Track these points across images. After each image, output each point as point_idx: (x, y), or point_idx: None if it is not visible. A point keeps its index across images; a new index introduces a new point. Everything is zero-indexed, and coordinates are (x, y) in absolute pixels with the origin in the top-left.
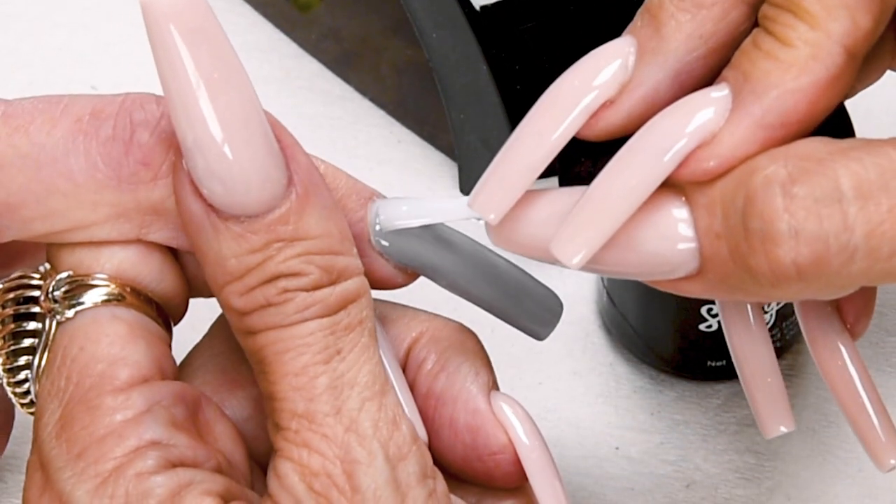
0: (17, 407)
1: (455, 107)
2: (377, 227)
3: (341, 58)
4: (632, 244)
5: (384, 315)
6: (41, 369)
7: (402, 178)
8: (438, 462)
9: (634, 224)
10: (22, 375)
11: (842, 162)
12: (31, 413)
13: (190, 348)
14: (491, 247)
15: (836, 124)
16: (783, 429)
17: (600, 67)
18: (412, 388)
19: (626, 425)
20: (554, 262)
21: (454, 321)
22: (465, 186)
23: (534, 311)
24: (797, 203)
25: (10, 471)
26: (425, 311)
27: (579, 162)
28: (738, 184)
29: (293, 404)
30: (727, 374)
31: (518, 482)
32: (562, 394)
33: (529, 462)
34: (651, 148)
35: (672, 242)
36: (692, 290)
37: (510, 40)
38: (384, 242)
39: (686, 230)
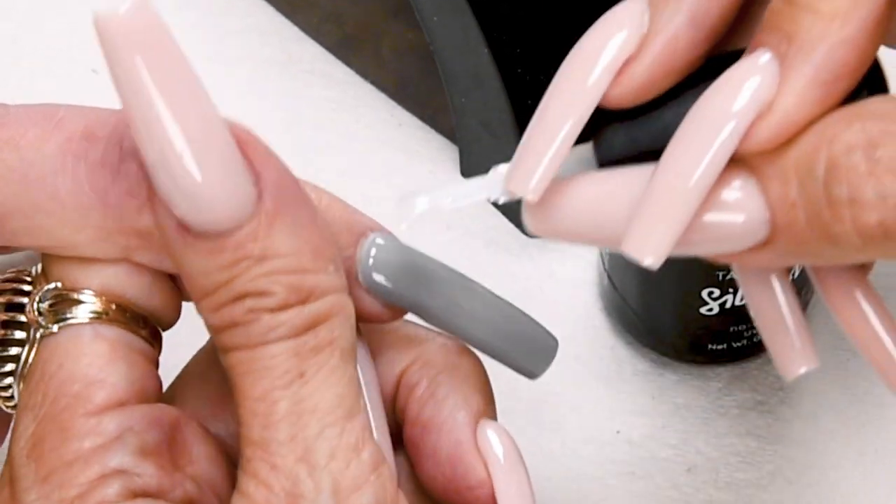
0: (4, 408)
1: (456, 90)
2: (370, 262)
3: (342, 41)
4: (700, 226)
5: (383, 332)
6: (23, 377)
7: (403, 162)
8: (424, 490)
9: (702, 205)
10: (6, 382)
11: None
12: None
13: (187, 351)
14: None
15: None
16: (804, 369)
17: (616, 25)
18: (403, 412)
19: (627, 409)
20: (613, 247)
21: (454, 342)
22: (466, 170)
23: (526, 352)
24: (882, 166)
25: None
26: (425, 329)
27: (619, 130)
28: (815, 151)
29: (251, 431)
30: (728, 357)
31: None
32: (563, 377)
33: (504, 499)
34: (708, 129)
35: (741, 216)
36: (759, 261)
37: (511, 24)
38: (373, 279)
39: (755, 202)
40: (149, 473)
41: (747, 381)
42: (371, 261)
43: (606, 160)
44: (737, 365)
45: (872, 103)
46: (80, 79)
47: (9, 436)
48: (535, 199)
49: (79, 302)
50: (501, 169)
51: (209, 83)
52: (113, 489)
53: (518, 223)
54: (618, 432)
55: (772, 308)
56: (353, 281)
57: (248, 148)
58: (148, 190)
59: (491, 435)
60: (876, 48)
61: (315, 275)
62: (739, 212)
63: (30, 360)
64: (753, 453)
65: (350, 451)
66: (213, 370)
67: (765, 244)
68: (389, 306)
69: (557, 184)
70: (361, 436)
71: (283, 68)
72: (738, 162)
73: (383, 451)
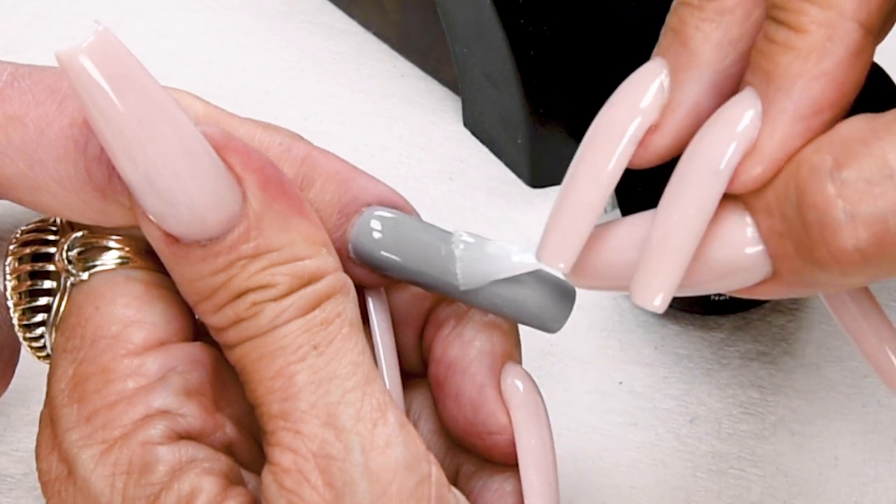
0: (34, 357)
1: (458, 41)
2: (360, 247)
3: None
4: (705, 265)
5: None
6: (57, 325)
7: (406, 112)
8: (445, 429)
9: (704, 245)
10: (38, 331)
11: (887, 138)
12: (48, 363)
13: None
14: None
15: (878, 90)
16: None
17: (638, 94)
18: (429, 348)
19: (630, 359)
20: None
21: None
22: (468, 120)
23: (535, 310)
24: (848, 187)
25: (15, 405)
26: None
27: (637, 189)
28: (788, 180)
29: (270, 407)
30: (730, 308)
31: (516, 462)
32: (566, 328)
33: (524, 450)
34: (698, 174)
35: (741, 252)
36: (774, 293)
37: None
38: (366, 262)
39: (752, 237)
40: (192, 414)
41: (749, 332)
42: (361, 245)
43: (629, 209)
44: (739, 315)
45: (845, 125)
46: (80, 29)
47: (8, 383)
48: (568, 270)
49: (107, 248)
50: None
51: (211, 34)
52: (157, 430)
53: (519, 173)
54: (620, 383)
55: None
56: (344, 259)
57: (226, 152)
58: (134, 207)
59: (515, 381)
60: (859, 78)
61: (313, 259)
62: (737, 248)
63: (62, 308)
64: (756, 404)
65: (374, 412)
66: None
67: (773, 277)
68: (382, 275)
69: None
70: (383, 399)
71: (285, 20)
72: (738, 201)
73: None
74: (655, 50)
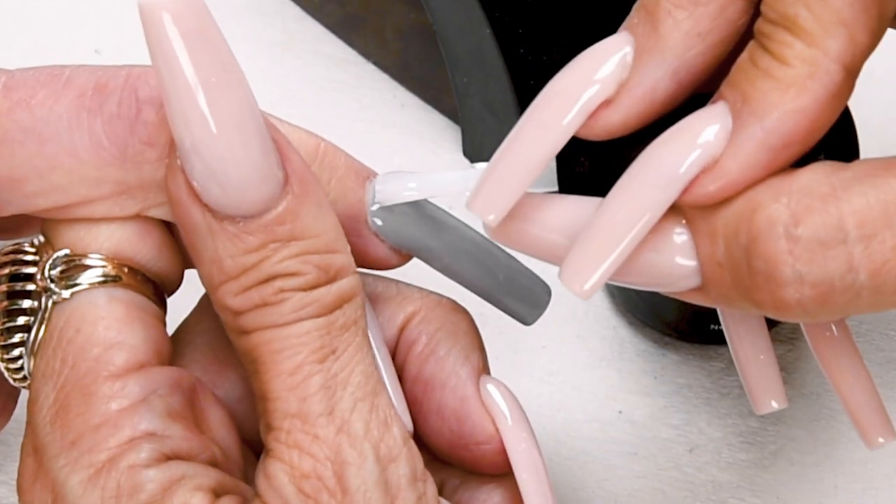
0: (11, 382)
1: (458, 70)
2: (374, 207)
3: (345, 21)
4: (635, 265)
5: (378, 292)
6: (36, 348)
7: (406, 142)
8: (424, 444)
9: (639, 245)
10: (16, 353)
11: (845, 198)
12: (25, 387)
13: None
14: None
15: (839, 130)
16: (775, 404)
17: (598, 65)
18: (402, 369)
19: (630, 389)
20: (552, 263)
21: (448, 299)
22: (469, 150)
23: (522, 296)
24: (801, 246)
25: (15, 435)
26: (419, 288)
27: (578, 161)
28: (741, 219)
29: (286, 404)
30: None
31: (504, 470)
32: (565, 357)
33: (515, 454)
34: (654, 175)
35: (674, 264)
36: (696, 300)
37: (513, 4)
38: (380, 222)
39: (687, 253)
40: (178, 436)
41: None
42: (379, 204)
43: (567, 186)
44: None
45: (807, 174)
46: (82, 59)
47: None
48: (495, 224)
49: (89, 266)
50: (481, 167)
51: None
52: (144, 453)
53: None
54: (620, 412)
55: (747, 346)
56: (362, 224)
57: (272, 133)
58: (169, 173)
59: (494, 390)
60: (832, 118)
61: (340, 254)
62: (670, 260)
63: (41, 329)
64: (756, 433)
65: (381, 424)
66: (203, 337)
67: (699, 290)
68: (396, 250)
69: (523, 201)
70: (389, 412)
71: (284, 48)
72: (677, 209)
73: (403, 418)
74: (625, 23)
